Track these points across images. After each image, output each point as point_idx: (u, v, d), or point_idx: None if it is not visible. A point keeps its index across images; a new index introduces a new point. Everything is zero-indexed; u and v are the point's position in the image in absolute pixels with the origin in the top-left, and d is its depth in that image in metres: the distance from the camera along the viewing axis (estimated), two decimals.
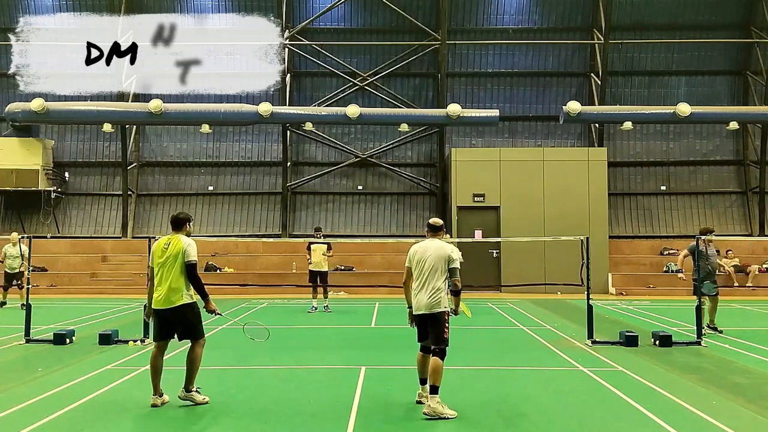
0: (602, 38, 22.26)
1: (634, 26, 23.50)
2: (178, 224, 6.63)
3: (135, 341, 9.98)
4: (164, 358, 6.58)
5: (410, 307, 6.59)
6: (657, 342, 9.97)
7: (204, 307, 6.57)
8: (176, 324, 6.46)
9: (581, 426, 5.85)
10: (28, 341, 10.18)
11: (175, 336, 6.58)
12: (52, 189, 22.75)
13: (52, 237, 22.76)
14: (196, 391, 6.47)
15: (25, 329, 10.31)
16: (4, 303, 15.37)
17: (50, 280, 20.46)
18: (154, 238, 10.55)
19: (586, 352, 9.46)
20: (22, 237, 13.82)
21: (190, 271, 6.36)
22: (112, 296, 18.96)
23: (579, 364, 8.59)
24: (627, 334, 10.05)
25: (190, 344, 6.57)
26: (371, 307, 15.90)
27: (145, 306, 6.80)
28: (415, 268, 6.55)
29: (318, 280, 14.72)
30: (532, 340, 10.81)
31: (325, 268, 14.78)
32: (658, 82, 24.12)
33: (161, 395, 6.45)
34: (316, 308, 14.78)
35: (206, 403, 6.43)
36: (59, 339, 10.01)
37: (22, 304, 13.80)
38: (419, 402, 6.41)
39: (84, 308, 15.39)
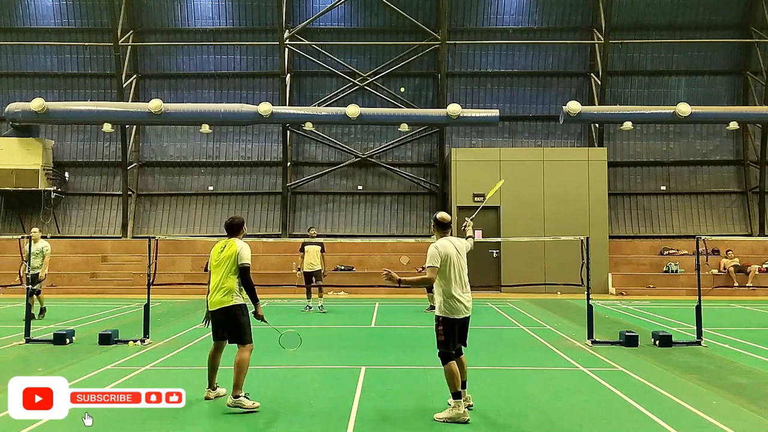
0: (602, 38, 22.26)
1: (634, 26, 23.50)
2: (234, 229, 6.66)
3: (135, 341, 9.99)
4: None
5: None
6: (657, 342, 9.97)
7: (252, 312, 6.59)
8: (225, 325, 6.48)
9: (581, 426, 5.85)
10: (28, 341, 10.18)
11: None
12: (52, 189, 22.75)
13: (52, 237, 22.66)
14: (245, 396, 6.31)
15: (25, 329, 10.32)
16: (44, 309, 13.82)
17: (50, 280, 20.19)
18: (155, 238, 10.64)
19: (586, 352, 9.46)
20: (23, 237, 13.60)
21: (243, 273, 6.41)
22: (112, 296, 18.98)
23: (579, 364, 8.59)
24: (627, 334, 10.05)
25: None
26: (371, 307, 15.91)
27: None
28: (451, 270, 6.10)
29: (313, 279, 14.73)
30: (532, 340, 10.81)
31: (319, 268, 14.72)
32: (658, 82, 24.12)
33: (215, 389, 6.66)
34: (310, 308, 14.83)
35: (256, 409, 6.21)
36: (59, 339, 10.00)
37: (41, 310, 13.62)
38: (470, 407, 6.19)
39: (84, 308, 15.40)
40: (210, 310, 6.54)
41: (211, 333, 6.73)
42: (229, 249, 6.48)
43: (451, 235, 6.41)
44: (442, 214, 6.45)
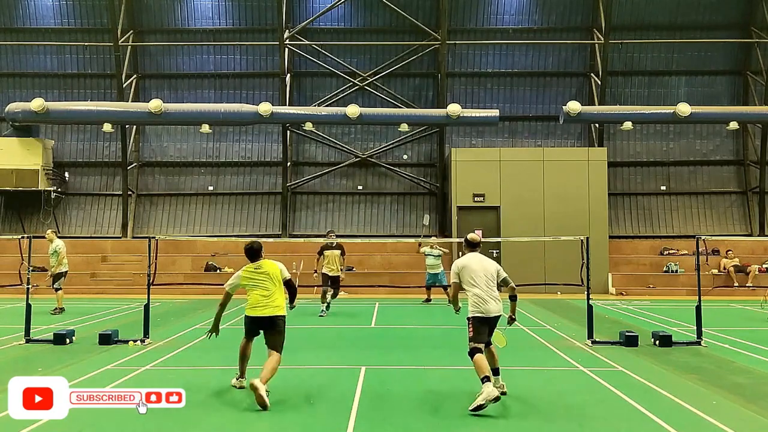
0: (602, 38, 22.26)
1: (634, 26, 23.51)
2: (256, 254, 7.36)
3: (135, 341, 9.99)
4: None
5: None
6: (657, 342, 9.97)
7: (289, 305, 7.47)
8: (269, 330, 7.02)
9: (581, 426, 5.85)
10: (28, 341, 10.18)
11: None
12: (52, 189, 22.75)
13: None
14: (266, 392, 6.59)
15: (25, 329, 10.32)
16: (63, 309, 14.42)
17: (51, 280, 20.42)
18: (155, 238, 10.65)
19: (586, 352, 9.46)
20: (24, 237, 13.66)
21: (289, 283, 7.44)
22: (112, 296, 18.97)
23: (579, 364, 8.59)
24: (627, 334, 10.05)
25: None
26: (371, 307, 15.90)
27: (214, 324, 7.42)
28: (468, 278, 6.96)
29: (330, 283, 14.12)
30: (532, 340, 10.81)
31: (338, 274, 14.27)
32: (658, 82, 24.12)
33: (241, 378, 7.24)
34: (325, 311, 14.05)
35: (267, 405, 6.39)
36: (59, 339, 10.00)
37: (56, 308, 13.96)
38: (504, 393, 6.75)
39: (84, 308, 15.39)
40: (257, 315, 7.02)
41: (243, 334, 7.26)
42: (268, 268, 7.23)
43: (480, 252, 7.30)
44: (472, 235, 7.51)
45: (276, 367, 6.73)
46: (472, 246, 7.31)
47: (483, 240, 19.30)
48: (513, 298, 7.22)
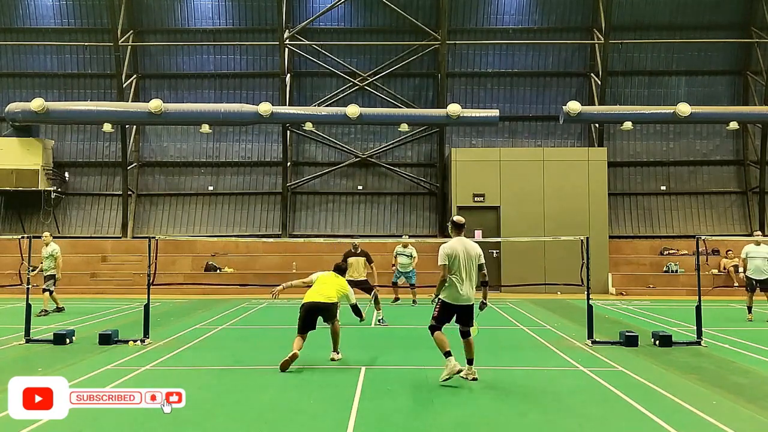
0: (602, 38, 22.27)
1: (634, 26, 23.51)
2: (343, 272, 9.49)
3: (135, 341, 9.98)
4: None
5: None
6: (657, 342, 9.96)
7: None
8: (327, 311, 8.68)
9: (581, 426, 5.85)
10: (28, 341, 10.17)
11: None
12: (52, 189, 22.76)
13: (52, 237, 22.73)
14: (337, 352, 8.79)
15: (25, 329, 10.32)
16: (62, 308, 14.62)
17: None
18: (155, 238, 10.64)
19: (586, 352, 9.45)
20: (24, 237, 13.65)
21: (351, 295, 9.26)
22: (112, 296, 18.97)
23: (579, 364, 8.59)
24: (627, 334, 10.04)
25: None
26: (371, 307, 15.89)
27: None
28: (456, 265, 7.32)
29: (360, 287, 13.37)
30: (532, 340, 10.80)
31: (364, 278, 13.80)
32: (658, 82, 24.13)
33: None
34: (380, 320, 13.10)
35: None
36: (59, 339, 10.00)
37: (42, 310, 13.95)
38: (475, 379, 7.35)
39: (84, 308, 15.39)
40: (314, 301, 8.56)
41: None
42: (339, 283, 9.02)
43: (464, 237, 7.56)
44: (458, 217, 7.70)
45: (337, 330, 8.84)
46: (459, 228, 7.51)
47: (483, 240, 19.40)
48: (485, 284, 7.56)
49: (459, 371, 7.15)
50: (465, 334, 7.46)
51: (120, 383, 7.32)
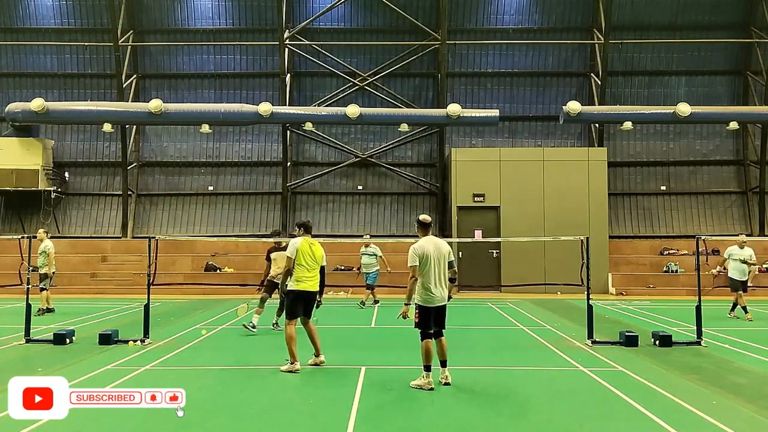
0: (602, 38, 22.26)
1: (634, 26, 23.50)
2: (310, 229, 8.66)
3: (135, 341, 9.98)
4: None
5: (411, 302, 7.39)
6: (657, 342, 9.96)
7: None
8: (310, 303, 8.39)
9: (581, 426, 5.85)
10: (28, 341, 10.18)
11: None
12: (52, 189, 22.75)
13: (52, 237, 22.68)
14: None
15: (25, 329, 10.32)
16: (52, 309, 14.51)
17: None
18: (155, 238, 10.64)
19: (586, 352, 9.45)
20: (24, 237, 13.65)
21: (322, 270, 8.45)
22: (112, 296, 18.97)
23: (579, 364, 8.59)
24: (627, 334, 10.04)
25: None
26: (371, 307, 15.91)
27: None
28: (428, 265, 7.22)
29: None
30: (532, 340, 10.81)
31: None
32: (658, 82, 24.13)
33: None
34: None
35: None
36: (59, 339, 10.00)
37: (40, 309, 13.90)
38: (447, 383, 7.20)
39: (84, 308, 15.39)
40: (309, 290, 8.22)
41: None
42: (318, 250, 8.34)
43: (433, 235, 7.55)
44: (423, 216, 7.63)
45: (314, 331, 8.46)
46: (425, 227, 7.48)
47: (483, 240, 19.35)
48: (452, 281, 7.49)
49: (431, 389, 7.04)
50: (437, 335, 7.35)
51: (120, 383, 7.32)
